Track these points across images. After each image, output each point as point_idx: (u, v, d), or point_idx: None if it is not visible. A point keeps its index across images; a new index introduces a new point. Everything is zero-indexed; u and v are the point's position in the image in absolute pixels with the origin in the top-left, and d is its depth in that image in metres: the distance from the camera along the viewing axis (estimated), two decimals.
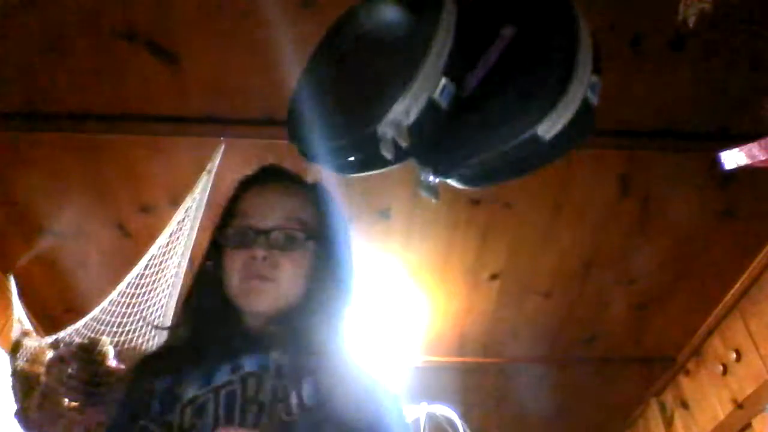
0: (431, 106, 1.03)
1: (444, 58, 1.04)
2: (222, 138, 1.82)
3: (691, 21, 1.32)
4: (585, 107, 1.03)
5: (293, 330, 0.94)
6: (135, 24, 1.63)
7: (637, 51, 1.70)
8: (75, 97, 1.79)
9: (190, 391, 0.87)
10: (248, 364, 0.89)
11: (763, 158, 1.29)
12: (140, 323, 1.75)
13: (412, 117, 1.03)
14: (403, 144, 1.03)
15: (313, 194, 1.05)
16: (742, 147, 1.32)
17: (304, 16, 1.60)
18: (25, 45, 1.67)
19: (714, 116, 1.86)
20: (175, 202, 1.96)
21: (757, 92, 1.69)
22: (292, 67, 1.60)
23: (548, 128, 1.02)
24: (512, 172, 1.12)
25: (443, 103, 1.05)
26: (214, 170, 1.75)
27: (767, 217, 2.13)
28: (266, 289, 0.95)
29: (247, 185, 1.06)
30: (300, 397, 0.85)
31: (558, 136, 1.02)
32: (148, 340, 1.74)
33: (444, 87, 1.04)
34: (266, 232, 0.96)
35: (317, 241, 0.99)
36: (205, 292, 1.00)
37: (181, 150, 1.92)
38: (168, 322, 1.67)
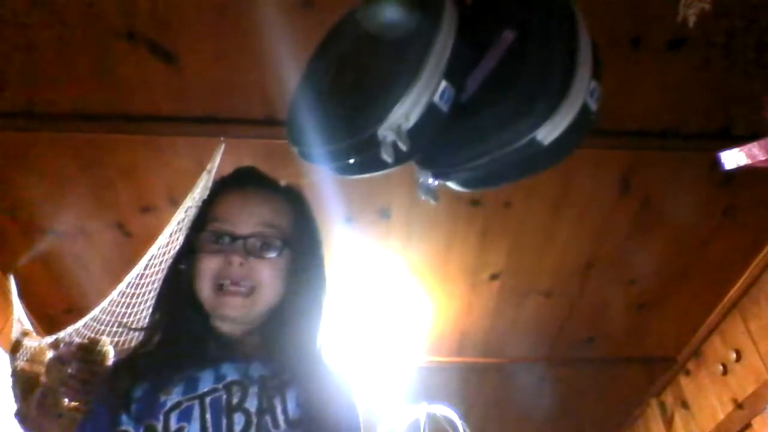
0: (431, 109, 1.03)
1: (444, 62, 1.03)
2: (222, 138, 1.82)
3: (691, 21, 1.31)
4: (584, 113, 1.03)
5: (270, 339, 0.95)
6: (135, 24, 1.63)
7: (637, 51, 1.70)
8: (75, 97, 1.79)
9: (174, 397, 0.86)
10: (230, 373, 0.89)
11: (763, 158, 1.29)
12: (140, 324, 1.75)
13: (413, 121, 1.02)
14: (404, 148, 1.03)
15: (289, 200, 1.05)
16: (742, 147, 1.32)
17: (304, 16, 1.60)
18: (24, 45, 1.67)
19: (714, 116, 1.86)
20: (175, 202, 1.96)
21: (757, 92, 1.69)
22: (292, 67, 1.60)
23: (547, 133, 1.01)
24: (510, 176, 1.12)
25: (443, 107, 1.04)
26: (214, 170, 1.75)
27: (767, 217, 2.13)
28: (240, 302, 0.94)
29: (223, 188, 1.05)
30: (285, 410, 0.86)
31: (556, 142, 1.02)
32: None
33: (444, 90, 1.03)
34: (243, 238, 0.95)
35: (293, 248, 0.99)
36: (178, 295, 0.99)
37: (181, 150, 1.92)
38: None
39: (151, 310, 1.10)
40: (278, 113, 1.78)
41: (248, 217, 0.98)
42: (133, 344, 1.73)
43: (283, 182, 1.09)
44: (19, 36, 1.65)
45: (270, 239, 0.97)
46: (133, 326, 1.73)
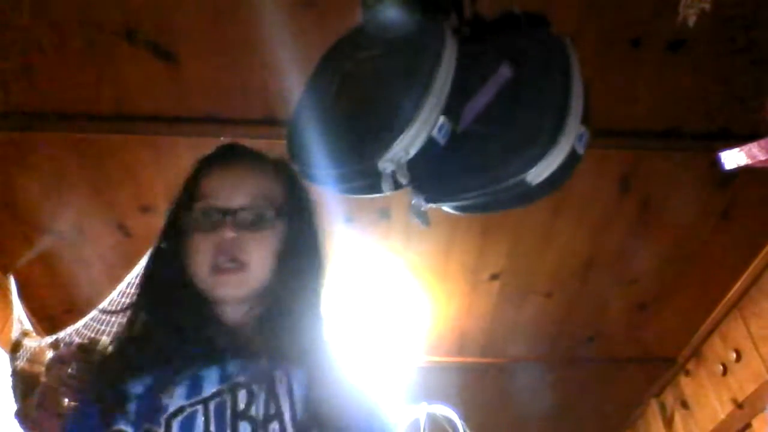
0: (429, 143, 1.06)
1: (444, 98, 1.07)
2: (222, 138, 1.81)
3: (691, 21, 1.31)
4: (572, 156, 1.09)
5: (274, 328, 0.89)
6: (135, 24, 1.63)
7: (637, 51, 1.70)
8: (75, 97, 1.79)
9: (177, 401, 0.81)
10: (236, 372, 0.84)
11: (763, 158, 1.29)
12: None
13: (412, 153, 1.06)
14: (403, 181, 1.06)
15: (278, 171, 1.01)
16: (742, 147, 1.33)
17: (304, 15, 1.59)
18: (25, 45, 1.67)
19: (714, 116, 1.86)
20: None
21: (757, 92, 1.69)
22: (292, 67, 1.60)
23: (536, 175, 1.07)
24: (500, 207, 1.19)
25: (441, 140, 1.08)
26: None
27: (767, 217, 2.13)
28: (237, 279, 0.90)
29: (207, 166, 1.00)
30: (294, 413, 0.81)
31: (545, 181, 1.08)
32: None
33: (442, 125, 1.07)
34: (233, 212, 0.91)
35: (286, 219, 0.95)
36: (166, 279, 0.94)
37: (181, 150, 1.92)
38: None
39: (135, 290, 1.06)
40: (278, 113, 1.78)
41: (237, 191, 0.94)
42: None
43: (272, 155, 1.04)
44: (20, 36, 1.65)
45: (261, 211, 0.93)
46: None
